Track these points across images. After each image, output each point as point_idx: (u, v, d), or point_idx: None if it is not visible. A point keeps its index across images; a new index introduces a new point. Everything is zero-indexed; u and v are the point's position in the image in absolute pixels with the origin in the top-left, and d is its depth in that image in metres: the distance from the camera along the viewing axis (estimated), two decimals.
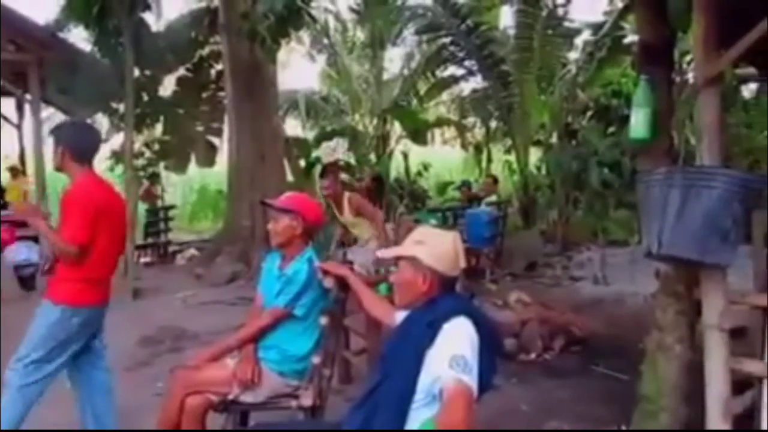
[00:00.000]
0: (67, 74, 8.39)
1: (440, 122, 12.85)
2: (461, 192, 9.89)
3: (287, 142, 10.37)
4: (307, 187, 9.35)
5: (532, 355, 4.59)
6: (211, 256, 8.60)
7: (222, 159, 12.14)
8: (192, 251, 9.86)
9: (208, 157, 11.97)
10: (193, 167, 12.03)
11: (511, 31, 9.84)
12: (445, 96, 13.63)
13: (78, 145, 2.95)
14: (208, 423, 2.72)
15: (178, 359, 4.70)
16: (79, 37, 9.62)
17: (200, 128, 11.67)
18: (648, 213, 2.50)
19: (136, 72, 8.28)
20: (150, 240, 10.00)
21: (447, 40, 9.55)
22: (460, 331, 1.93)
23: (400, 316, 2.24)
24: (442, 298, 2.05)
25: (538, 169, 10.12)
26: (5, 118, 11.76)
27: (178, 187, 15.07)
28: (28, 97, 9.17)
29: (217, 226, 13.17)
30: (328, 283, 2.76)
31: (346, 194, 5.28)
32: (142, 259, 9.17)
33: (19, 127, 11.51)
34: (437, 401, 1.86)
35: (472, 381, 1.81)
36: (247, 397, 2.68)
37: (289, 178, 10.23)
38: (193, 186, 15.49)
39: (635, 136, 2.80)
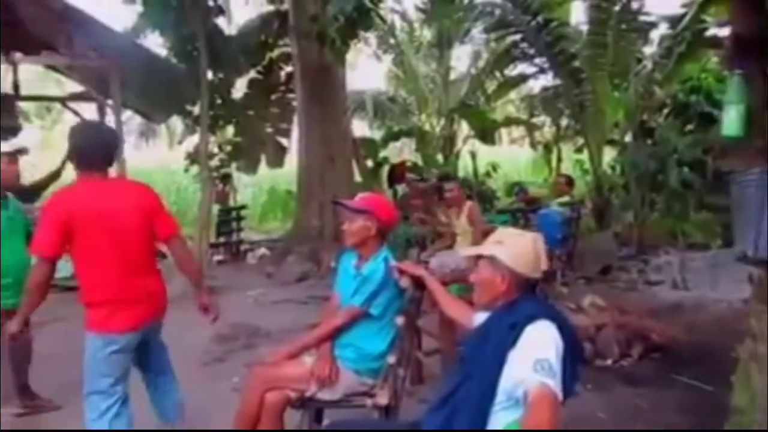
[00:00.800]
0: (145, 79, 8.75)
1: (509, 121, 12.66)
2: (516, 197, 9.73)
3: (355, 142, 10.47)
4: (374, 187, 9.42)
5: (609, 361, 4.43)
6: (282, 255, 8.78)
7: (291, 160, 12.40)
8: (262, 250, 10.09)
9: (277, 158, 12.23)
10: (262, 168, 12.33)
11: (584, 27, 9.56)
12: (513, 95, 13.42)
13: (78, 149, 2.76)
14: (285, 419, 2.78)
15: (252, 356, 4.82)
16: (154, 43, 10.07)
17: (270, 130, 11.94)
18: (743, 215, 2.37)
19: (210, 75, 8.54)
20: (222, 239, 10.31)
21: (517, 37, 9.36)
22: (545, 334, 1.90)
23: (478, 317, 2.23)
24: (524, 300, 2.04)
25: (612, 168, 9.79)
26: None
27: (248, 187, 15.48)
28: (109, 102, 9.66)
29: (285, 225, 13.45)
30: (405, 282, 2.77)
31: (468, 203, 5.45)
32: (215, 258, 9.45)
33: None
34: (520, 405, 1.84)
35: (557, 385, 1.77)
36: (324, 395, 2.72)
37: (357, 178, 10.33)
38: (263, 186, 15.87)
39: (728, 134, 2.66)
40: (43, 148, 21.66)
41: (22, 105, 12.41)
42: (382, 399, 2.67)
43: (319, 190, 8.83)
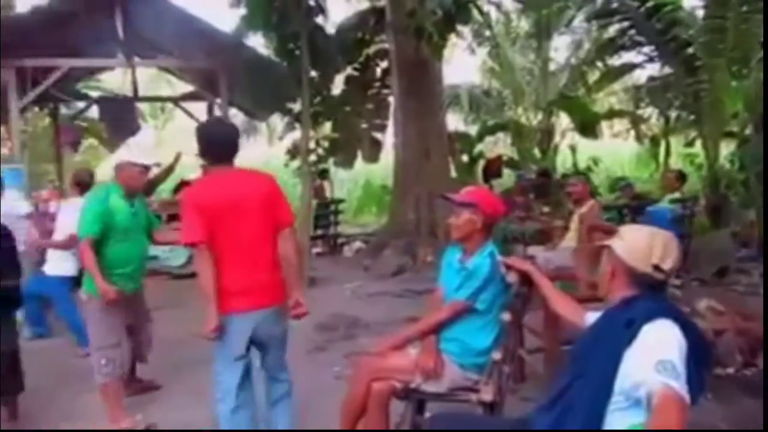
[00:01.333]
0: (250, 78, 9.12)
1: (612, 114, 12.05)
2: (622, 193, 9.24)
3: (450, 137, 10.40)
4: (470, 182, 9.31)
5: (730, 370, 4.12)
6: (378, 248, 8.88)
7: (385, 155, 12.51)
8: (358, 243, 10.27)
9: (372, 153, 12.38)
10: (357, 163, 12.53)
11: (700, 11, 8.93)
12: (616, 86, 12.78)
13: (207, 144, 2.91)
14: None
15: (352, 346, 4.92)
16: (255, 43, 10.44)
17: (365, 125, 12.11)
18: None
19: (312, 73, 8.76)
20: (319, 232, 10.57)
21: (624, 24, 8.89)
22: (666, 334, 1.80)
23: (592, 316, 2.17)
24: (642, 298, 1.93)
25: (731, 163, 9.08)
26: (198, 121, 13.16)
27: (344, 182, 15.80)
28: (217, 101, 10.17)
29: (380, 220, 13.62)
30: (512, 277, 2.71)
31: (591, 201, 5.34)
32: (314, 250, 9.71)
33: None
34: (641, 407, 1.74)
35: (682, 387, 1.67)
36: (429, 387, 2.71)
37: (453, 173, 10.25)
38: (358, 181, 16.14)
39: None
40: (156, 145, 23.19)
41: (139, 105, 13.34)
42: (487, 395, 2.64)
43: (414, 184, 8.84)
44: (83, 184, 5.12)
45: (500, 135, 13.79)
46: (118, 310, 3.50)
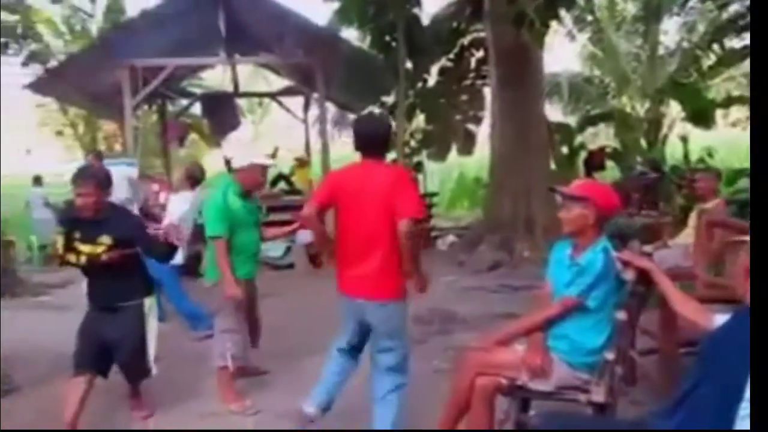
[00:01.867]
0: (346, 72, 9.22)
1: (730, 101, 11.09)
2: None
3: (549, 128, 10.03)
4: (571, 175, 8.94)
5: None
6: (472, 243, 8.73)
7: (479, 147, 12.29)
8: (451, 237, 10.15)
9: (467, 145, 12.23)
10: (450, 155, 12.38)
11: None
12: (734, 71, 11.77)
13: (355, 137, 3.14)
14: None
15: (450, 341, 4.87)
16: (347, 36, 10.54)
17: (460, 117, 11.95)
18: None
19: (408, 64, 8.74)
20: None
21: (746, 3, 8.18)
22: None
23: (720, 318, 2.07)
24: None
25: None
26: (294, 115, 13.52)
27: (436, 174, 15.71)
28: (314, 95, 10.38)
29: (472, 214, 13.43)
30: (629, 275, 2.56)
31: (717, 200, 5.08)
32: None
33: (305, 121, 13.15)
34: None
35: None
36: (536, 385, 2.62)
37: (552, 166, 9.89)
38: (451, 174, 15.98)
39: None
40: (254, 140, 24.13)
41: (239, 101, 13.87)
42: (598, 396, 2.53)
43: (512, 177, 8.59)
44: (194, 178, 5.52)
45: (601, 126, 13.16)
46: (242, 298, 3.70)
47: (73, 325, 3.54)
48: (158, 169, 13.45)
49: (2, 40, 13.44)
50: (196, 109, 13.27)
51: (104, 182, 3.37)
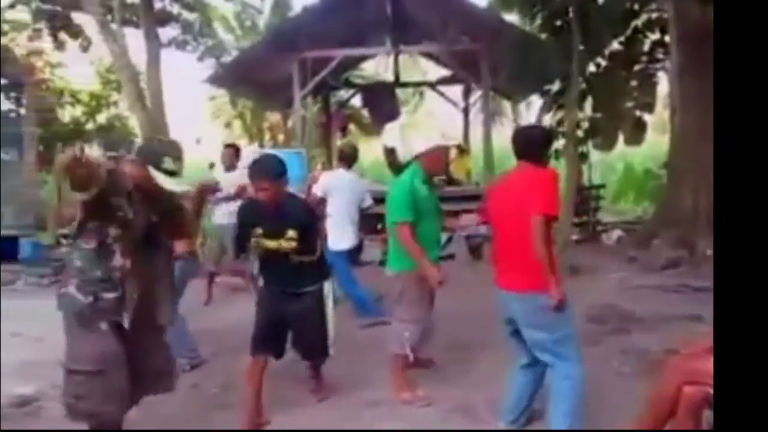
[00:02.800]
0: (513, 59, 8.94)
1: None
2: None
3: None
4: None
5: None
6: (645, 239, 8.13)
7: (649, 137, 11.37)
8: (618, 232, 9.56)
9: (636, 135, 11.32)
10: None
11: None
12: None
13: (513, 143, 3.21)
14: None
15: (628, 341, 4.56)
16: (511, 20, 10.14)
17: (630, 104, 11.13)
18: None
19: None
20: (575, 219, 10.06)
21: None
22: None
23: None
24: None
25: None
26: (454, 104, 13.48)
27: (597, 166, 14.84)
28: (474, 84, 10.23)
29: (639, 207, 12.53)
30: None
31: None
32: (572, 237, 9.29)
33: (465, 110, 13.07)
34: None
35: None
36: None
37: None
38: (614, 165, 15.00)
39: None
40: (408, 128, 24.38)
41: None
42: None
43: (694, 168, 7.84)
44: (347, 157, 5.70)
45: None
46: (427, 288, 3.65)
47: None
48: (320, 158, 14.11)
49: (182, 37, 14.93)
50: (356, 100, 13.70)
51: (282, 173, 3.30)
